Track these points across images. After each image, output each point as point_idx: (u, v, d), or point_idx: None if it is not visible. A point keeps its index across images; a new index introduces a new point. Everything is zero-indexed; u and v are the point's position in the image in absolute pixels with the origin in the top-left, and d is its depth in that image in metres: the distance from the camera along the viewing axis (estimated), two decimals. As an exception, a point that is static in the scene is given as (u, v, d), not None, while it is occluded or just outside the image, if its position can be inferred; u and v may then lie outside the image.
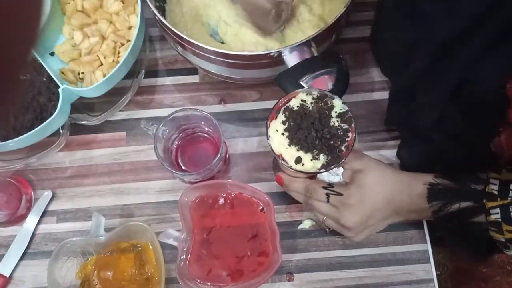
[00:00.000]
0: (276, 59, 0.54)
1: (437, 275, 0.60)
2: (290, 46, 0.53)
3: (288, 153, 0.47)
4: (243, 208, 0.57)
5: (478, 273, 0.71)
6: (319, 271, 0.58)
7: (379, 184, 0.50)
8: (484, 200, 0.46)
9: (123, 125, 0.64)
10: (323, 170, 0.47)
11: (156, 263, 0.56)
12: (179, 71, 0.66)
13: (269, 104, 0.65)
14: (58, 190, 0.61)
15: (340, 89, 0.50)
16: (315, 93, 0.48)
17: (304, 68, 0.52)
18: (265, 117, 0.64)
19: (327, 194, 0.50)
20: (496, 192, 0.46)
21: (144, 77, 0.65)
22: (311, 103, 0.48)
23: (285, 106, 0.48)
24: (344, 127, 0.47)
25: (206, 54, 0.56)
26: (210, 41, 0.66)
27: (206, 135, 0.59)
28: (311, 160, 0.47)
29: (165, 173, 0.61)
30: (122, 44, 0.59)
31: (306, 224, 0.60)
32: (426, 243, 0.58)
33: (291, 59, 0.53)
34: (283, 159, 0.47)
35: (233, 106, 0.65)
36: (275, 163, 0.59)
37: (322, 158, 0.46)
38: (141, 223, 0.55)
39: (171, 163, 0.57)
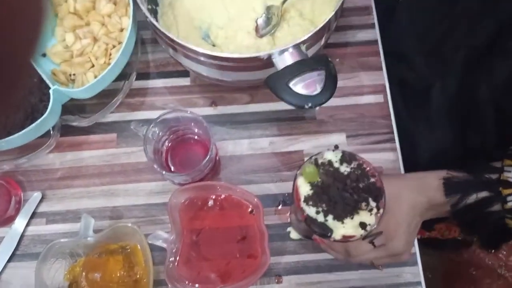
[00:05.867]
0: (266, 62, 0.54)
1: (427, 278, 0.61)
2: (280, 48, 0.53)
3: (347, 230, 0.44)
4: (232, 210, 0.58)
5: (468, 276, 0.71)
6: (308, 274, 0.58)
7: (396, 198, 0.49)
8: (500, 188, 0.46)
9: (114, 127, 0.64)
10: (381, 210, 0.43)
11: (145, 265, 0.56)
12: (170, 73, 0.67)
13: (260, 107, 0.65)
14: (48, 191, 0.61)
15: (328, 91, 0.51)
16: (310, 166, 0.45)
17: (293, 70, 0.52)
18: (256, 119, 0.65)
19: (371, 242, 0.48)
20: (511, 180, 0.46)
21: (136, 79, 0.66)
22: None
23: (304, 197, 0.45)
24: (355, 166, 0.45)
25: (197, 57, 0.56)
26: (202, 44, 0.66)
27: (196, 137, 0.59)
28: (370, 215, 0.43)
29: (155, 175, 0.61)
30: (114, 46, 0.59)
31: (294, 236, 0.59)
32: (414, 246, 0.59)
33: (281, 62, 0.54)
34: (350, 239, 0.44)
35: (224, 109, 0.65)
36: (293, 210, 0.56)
37: (370, 204, 0.43)
38: (130, 225, 0.55)
39: (161, 165, 0.57)
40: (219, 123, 0.64)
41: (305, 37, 0.53)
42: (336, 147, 0.59)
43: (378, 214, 0.43)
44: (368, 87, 0.66)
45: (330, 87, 0.52)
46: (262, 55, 0.53)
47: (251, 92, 0.66)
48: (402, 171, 0.61)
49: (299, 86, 0.52)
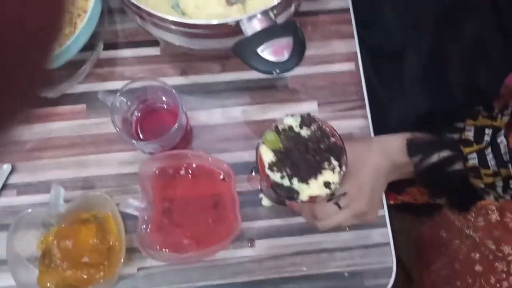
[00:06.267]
0: (235, 29, 0.54)
1: (399, 241, 0.63)
2: (248, 15, 0.53)
3: (312, 191, 0.45)
4: (204, 178, 0.58)
5: (438, 238, 0.74)
6: (280, 237, 0.59)
7: (359, 162, 0.50)
8: (461, 147, 0.48)
9: (83, 98, 0.63)
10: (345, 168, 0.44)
11: (117, 233, 0.56)
12: (140, 43, 0.66)
13: (232, 76, 0.65)
14: (18, 163, 0.61)
15: (295, 57, 0.51)
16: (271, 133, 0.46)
17: (261, 37, 0.52)
18: (228, 88, 0.65)
19: (336, 203, 0.49)
20: (472, 138, 0.48)
21: (105, 50, 0.64)
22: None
23: (268, 163, 0.46)
24: (315, 128, 0.46)
25: (165, 25, 0.56)
26: (171, 12, 0.65)
27: (165, 106, 0.59)
28: (333, 174, 0.44)
29: (126, 145, 0.61)
30: (79, 15, 0.58)
31: (266, 203, 0.60)
32: (383, 208, 0.60)
33: (250, 29, 0.53)
34: (315, 200, 0.45)
35: (195, 78, 0.65)
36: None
37: (333, 162, 0.44)
38: (100, 193, 0.55)
39: (131, 134, 0.57)
40: (190, 92, 0.64)
41: (273, 4, 0.53)
42: (309, 115, 0.60)
43: (341, 172, 0.45)
44: (339, 55, 0.66)
45: (298, 53, 0.52)
46: (230, 22, 0.53)
47: (222, 62, 0.65)
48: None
49: (267, 52, 0.52)
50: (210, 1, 0.65)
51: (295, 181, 0.45)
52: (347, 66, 0.65)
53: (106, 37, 0.64)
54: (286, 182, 0.45)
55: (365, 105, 0.64)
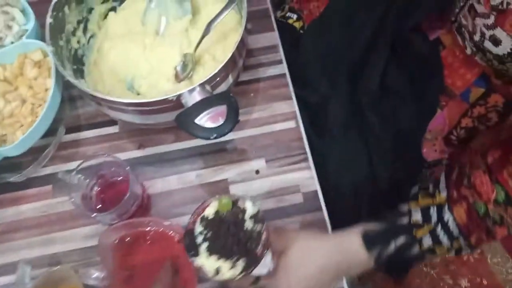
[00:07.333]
0: (178, 102, 0.61)
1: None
2: (188, 89, 0.60)
3: (208, 264, 0.47)
4: (162, 243, 0.61)
5: (399, 280, 0.75)
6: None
7: (306, 257, 0.51)
8: (414, 231, 0.49)
9: (49, 180, 0.68)
10: (244, 273, 0.46)
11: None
12: (100, 123, 0.72)
13: (185, 144, 0.71)
14: (-12, 246, 0.64)
15: (229, 122, 0.57)
16: (227, 199, 0.49)
17: (199, 107, 0.58)
18: (182, 156, 0.70)
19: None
20: (420, 221, 0.49)
21: (68, 133, 0.71)
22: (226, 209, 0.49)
23: (202, 216, 0.49)
24: (257, 229, 0.48)
25: (117, 106, 0.62)
26: (127, 94, 0.73)
27: (121, 178, 0.64)
28: (230, 269, 0.46)
29: (89, 220, 0.65)
30: (40, 105, 0.65)
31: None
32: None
33: (190, 101, 0.60)
34: (203, 270, 0.47)
35: (151, 150, 0.70)
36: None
37: (241, 263, 0.46)
38: (61, 266, 0.58)
39: (90, 209, 0.61)
40: (147, 163, 0.69)
41: (207, 77, 0.60)
42: (257, 172, 0.64)
43: (237, 274, 0.46)
44: (281, 115, 0.72)
45: (231, 118, 0.58)
46: (170, 97, 0.59)
47: (176, 132, 0.72)
48: (317, 186, 0.67)
49: (204, 120, 0.58)
50: (161, 80, 0.73)
51: (203, 246, 0.48)
52: (289, 124, 0.71)
53: (69, 121, 0.71)
54: (200, 240, 0.48)
55: (307, 158, 0.69)
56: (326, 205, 0.66)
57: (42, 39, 0.66)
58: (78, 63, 0.72)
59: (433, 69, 0.62)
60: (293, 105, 0.73)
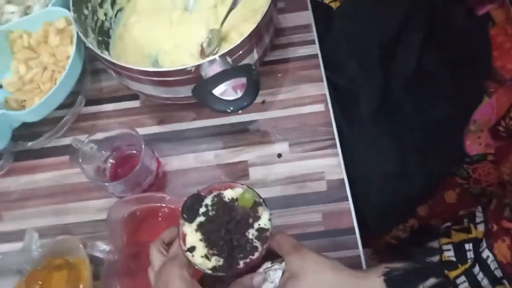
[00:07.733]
0: (197, 75, 0.57)
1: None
2: (207, 60, 0.56)
3: (190, 237, 0.45)
4: (173, 220, 0.58)
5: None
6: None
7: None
8: (446, 271, 0.43)
9: (66, 150, 0.67)
10: (210, 272, 0.43)
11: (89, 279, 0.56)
12: (121, 97, 0.71)
13: (205, 122, 0.68)
14: (3, 213, 0.64)
15: (248, 95, 0.53)
16: (251, 196, 0.45)
17: (216, 78, 0.55)
18: (201, 135, 0.67)
19: None
20: (454, 259, 0.43)
21: (89, 105, 0.70)
22: None
23: (219, 192, 0.47)
24: (254, 244, 0.44)
25: (135, 75, 0.60)
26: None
27: (137, 153, 0.61)
28: (202, 256, 0.44)
29: (104, 193, 0.64)
30: (60, 72, 0.64)
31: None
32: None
33: (210, 73, 0.57)
34: (183, 239, 0.45)
35: (170, 126, 0.68)
36: None
37: (216, 261, 0.43)
38: (69, 237, 0.56)
39: (101, 179, 0.59)
40: (165, 140, 0.67)
41: (229, 49, 0.57)
42: (279, 156, 0.60)
43: (205, 268, 0.43)
44: (309, 98, 0.67)
45: (251, 92, 0.54)
46: (189, 67, 0.56)
47: (197, 110, 0.69)
48: (344, 175, 0.62)
49: (222, 91, 0.54)
50: (184, 56, 0.71)
51: (198, 219, 0.45)
52: (317, 108, 0.66)
53: (91, 94, 0.70)
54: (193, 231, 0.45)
55: (335, 144, 0.64)
56: (351, 197, 0.60)
57: (69, 8, 0.65)
58: (104, 35, 0.71)
59: (479, 50, 0.55)
60: (323, 88, 0.68)
